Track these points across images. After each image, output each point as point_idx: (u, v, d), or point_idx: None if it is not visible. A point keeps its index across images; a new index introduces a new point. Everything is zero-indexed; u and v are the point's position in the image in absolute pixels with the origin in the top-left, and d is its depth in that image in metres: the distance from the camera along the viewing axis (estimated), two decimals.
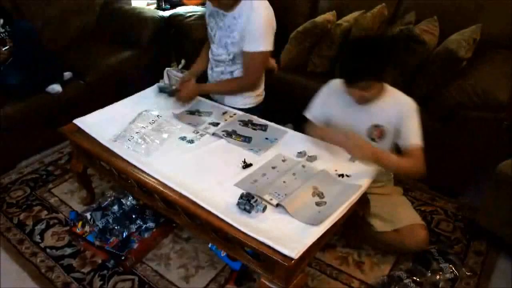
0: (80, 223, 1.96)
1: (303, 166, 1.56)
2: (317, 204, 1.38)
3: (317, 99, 1.79)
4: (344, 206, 1.37)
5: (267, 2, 1.83)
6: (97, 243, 1.86)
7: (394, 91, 1.63)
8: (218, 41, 1.93)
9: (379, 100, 1.60)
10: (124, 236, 1.86)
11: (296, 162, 1.59)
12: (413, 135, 1.55)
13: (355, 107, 1.64)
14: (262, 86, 2.10)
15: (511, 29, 2.16)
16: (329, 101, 1.74)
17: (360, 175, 1.52)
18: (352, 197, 1.42)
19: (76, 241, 1.95)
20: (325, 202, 1.39)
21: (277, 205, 1.37)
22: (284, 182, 1.48)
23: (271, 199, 1.40)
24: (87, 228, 1.93)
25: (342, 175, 1.53)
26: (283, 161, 1.60)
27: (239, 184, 1.49)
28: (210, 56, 2.06)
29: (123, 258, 1.80)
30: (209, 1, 1.87)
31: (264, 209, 1.34)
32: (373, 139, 1.65)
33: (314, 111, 1.79)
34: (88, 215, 1.96)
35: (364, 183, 1.49)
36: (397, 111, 1.58)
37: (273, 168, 1.57)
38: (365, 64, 1.45)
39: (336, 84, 1.70)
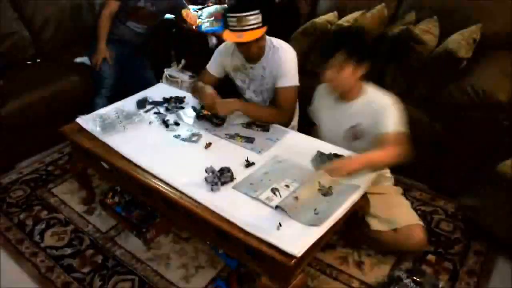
0: (111, 193, 2.08)
1: (302, 167, 1.56)
2: (317, 204, 1.38)
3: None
4: (344, 207, 1.37)
5: (287, 44, 1.89)
6: (123, 214, 1.99)
7: (374, 91, 1.64)
8: (253, 91, 2.01)
9: (358, 101, 1.63)
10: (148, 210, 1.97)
11: (296, 163, 1.58)
12: (387, 124, 1.51)
13: (337, 109, 1.68)
14: (296, 119, 2.09)
15: (511, 29, 2.16)
16: (319, 104, 1.82)
17: (360, 176, 1.51)
18: (352, 197, 1.42)
19: (106, 212, 2.09)
20: (325, 203, 1.39)
21: (276, 207, 1.37)
22: (283, 183, 1.48)
23: (270, 201, 1.40)
24: (116, 199, 2.06)
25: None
26: (283, 161, 1.60)
27: (236, 186, 1.48)
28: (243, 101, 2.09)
29: (144, 230, 1.89)
30: (240, 50, 1.84)
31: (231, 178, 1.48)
32: (353, 139, 1.67)
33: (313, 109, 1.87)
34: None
35: (363, 183, 1.49)
36: (372, 108, 1.58)
37: (273, 168, 1.57)
38: (339, 39, 1.63)
39: (324, 87, 1.76)
